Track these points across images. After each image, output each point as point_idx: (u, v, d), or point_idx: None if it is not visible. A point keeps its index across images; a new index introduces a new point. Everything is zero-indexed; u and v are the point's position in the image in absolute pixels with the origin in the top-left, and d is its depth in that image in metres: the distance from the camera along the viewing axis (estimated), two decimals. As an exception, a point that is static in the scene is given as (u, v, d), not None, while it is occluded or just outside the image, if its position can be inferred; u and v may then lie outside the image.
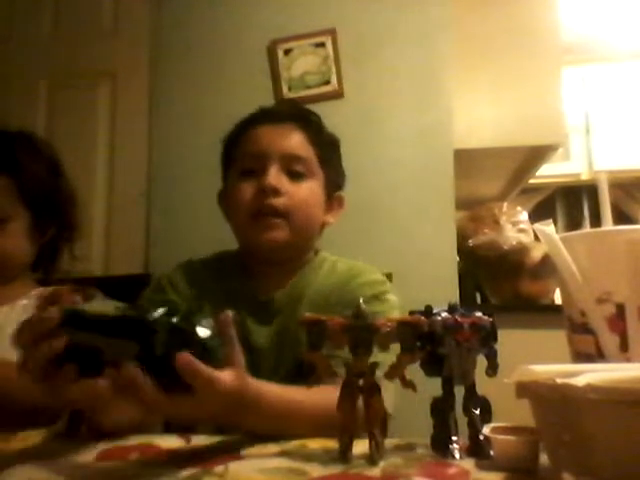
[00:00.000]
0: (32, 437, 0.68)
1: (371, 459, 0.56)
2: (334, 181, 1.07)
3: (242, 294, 1.00)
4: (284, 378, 0.88)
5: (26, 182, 1.05)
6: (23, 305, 1.03)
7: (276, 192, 0.95)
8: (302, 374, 0.93)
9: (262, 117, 1.05)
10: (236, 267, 1.04)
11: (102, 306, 0.58)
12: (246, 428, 0.67)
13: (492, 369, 0.62)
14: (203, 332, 0.57)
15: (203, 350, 0.56)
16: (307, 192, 0.99)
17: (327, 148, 1.05)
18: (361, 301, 0.60)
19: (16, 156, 1.07)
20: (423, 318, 0.59)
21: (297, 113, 1.07)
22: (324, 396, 0.68)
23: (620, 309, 0.62)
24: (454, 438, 0.59)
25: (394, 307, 0.99)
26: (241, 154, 1.02)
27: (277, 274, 1.02)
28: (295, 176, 0.99)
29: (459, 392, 0.61)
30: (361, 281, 1.01)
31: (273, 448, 0.64)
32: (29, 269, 1.11)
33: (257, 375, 0.68)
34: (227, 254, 1.07)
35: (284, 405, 0.69)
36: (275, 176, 0.96)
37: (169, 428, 0.79)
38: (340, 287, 1.00)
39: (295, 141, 1.01)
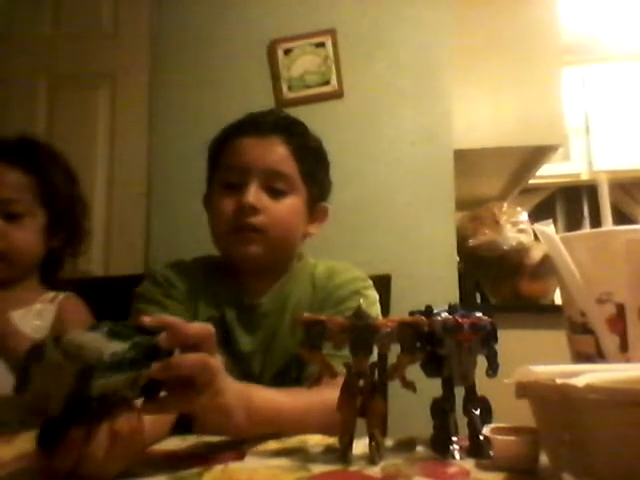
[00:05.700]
0: (34, 438, 0.68)
1: (371, 459, 0.56)
2: (318, 194, 1.07)
3: (228, 298, 1.02)
4: (268, 383, 0.90)
5: (46, 183, 1.09)
6: (38, 310, 1.05)
7: (254, 210, 0.97)
8: (289, 377, 0.95)
9: (248, 127, 1.04)
10: (222, 272, 1.05)
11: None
12: (235, 430, 0.65)
13: (492, 369, 0.62)
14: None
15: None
16: (286, 209, 1.00)
17: (311, 162, 1.05)
18: (361, 301, 0.60)
19: (38, 157, 1.10)
20: (423, 318, 0.60)
21: (283, 125, 1.05)
22: (322, 398, 0.68)
23: (620, 309, 0.63)
24: (454, 438, 0.59)
25: (374, 303, 1.03)
26: (224, 165, 1.03)
27: (259, 282, 1.03)
28: (275, 193, 1.00)
29: (459, 392, 0.61)
30: (339, 281, 1.03)
31: (273, 445, 0.64)
32: (36, 272, 1.11)
33: (243, 380, 0.69)
34: (213, 259, 1.08)
35: (275, 408, 0.70)
36: (254, 194, 0.97)
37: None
38: (319, 291, 1.03)
39: (278, 156, 1.01)
